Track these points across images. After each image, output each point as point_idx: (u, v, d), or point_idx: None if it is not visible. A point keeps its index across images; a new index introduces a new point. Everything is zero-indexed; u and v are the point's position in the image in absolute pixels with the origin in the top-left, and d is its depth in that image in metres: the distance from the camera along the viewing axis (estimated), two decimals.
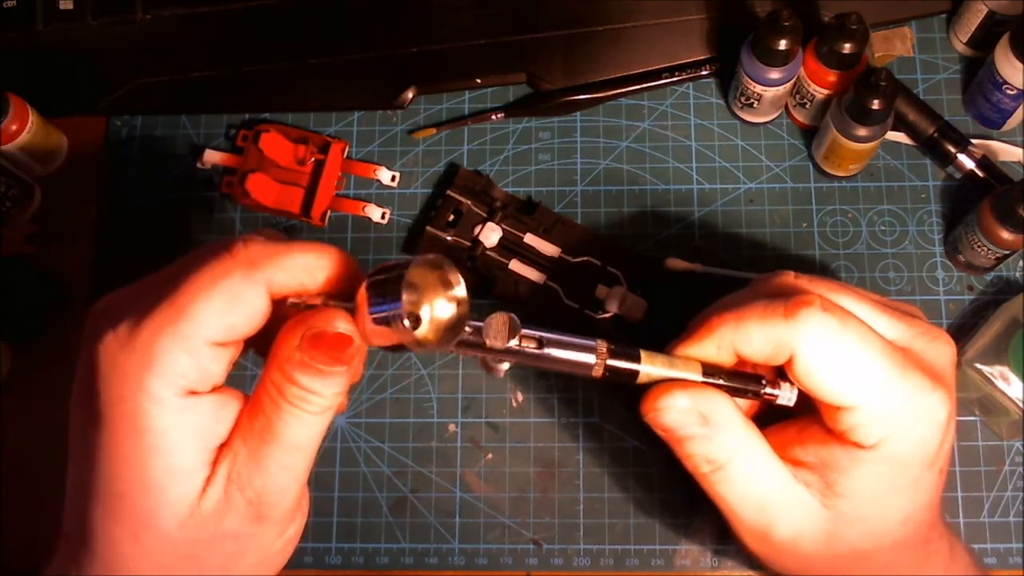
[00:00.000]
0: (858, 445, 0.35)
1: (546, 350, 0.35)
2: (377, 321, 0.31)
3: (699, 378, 0.37)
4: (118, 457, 0.32)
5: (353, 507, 0.54)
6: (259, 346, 0.35)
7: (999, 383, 0.51)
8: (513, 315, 0.35)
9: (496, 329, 0.34)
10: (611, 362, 0.36)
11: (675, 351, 0.38)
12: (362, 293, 0.32)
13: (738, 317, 0.36)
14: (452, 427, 0.55)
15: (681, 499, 0.53)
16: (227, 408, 0.33)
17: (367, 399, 0.56)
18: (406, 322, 0.31)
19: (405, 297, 0.31)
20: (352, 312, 0.33)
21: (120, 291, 0.34)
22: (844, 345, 0.34)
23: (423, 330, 0.33)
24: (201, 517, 0.32)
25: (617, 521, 0.53)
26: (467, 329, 0.34)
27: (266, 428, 0.33)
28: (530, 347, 0.35)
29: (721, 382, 0.37)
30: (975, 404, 0.53)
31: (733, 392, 0.37)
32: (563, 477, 0.54)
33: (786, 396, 0.37)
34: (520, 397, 0.55)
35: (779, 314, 0.35)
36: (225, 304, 0.32)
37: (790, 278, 0.38)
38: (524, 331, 0.35)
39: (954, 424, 0.36)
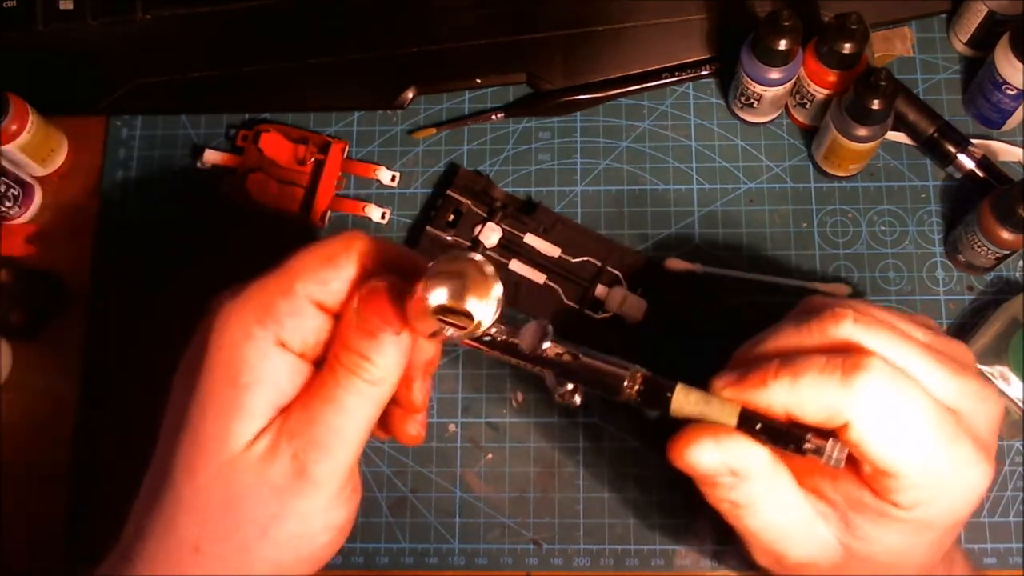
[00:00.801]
0: (893, 504, 0.35)
1: (582, 362, 0.36)
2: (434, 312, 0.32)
3: (734, 423, 0.35)
4: (203, 382, 0.34)
5: None
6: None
7: (999, 383, 0.51)
8: (547, 324, 0.36)
9: (530, 334, 0.36)
10: (645, 390, 0.36)
11: (720, 391, 0.36)
12: (420, 284, 0.33)
13: (794, 377, 0.34)
14: (452, 427, 0.55)
15: (681, 500, 0.53)
16: (302, 373, 0.35)
17: None
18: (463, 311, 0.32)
19: (452, 288, 0.32)
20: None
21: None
22: (900, 415, 0.34)
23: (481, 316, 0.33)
24: (248, 460, 0.34)
25: (617, 521, 0.53)
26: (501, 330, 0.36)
27: (320, 388, 0.35)
28: (564, 358, 0.36)
29: (759, 430, 0.35)
30: None
31: (772, 444, 0.35)
32: (563, 477, 0.54)
33: (833, 457, 0.34)
34: (520, 397, 0.56)
35: (836, 379, 0.34)
36: (324, 269, 0.35)
37: (848, 321, 0.36)
38: (560, 344, 0.36)
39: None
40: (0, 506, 0.55)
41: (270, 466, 0.34)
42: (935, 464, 0.34)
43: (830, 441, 0.34)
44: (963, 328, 0.55)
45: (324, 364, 0.35)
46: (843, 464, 0.34)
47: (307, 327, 0.35)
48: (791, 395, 0.34)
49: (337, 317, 0.36)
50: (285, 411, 0.35)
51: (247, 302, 0.35)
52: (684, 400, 0.36)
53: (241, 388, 0.34)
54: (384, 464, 0.55)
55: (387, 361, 0.35)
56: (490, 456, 0.55)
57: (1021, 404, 0.51)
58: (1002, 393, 0.51)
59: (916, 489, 0.34)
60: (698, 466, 0.35)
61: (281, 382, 0.35)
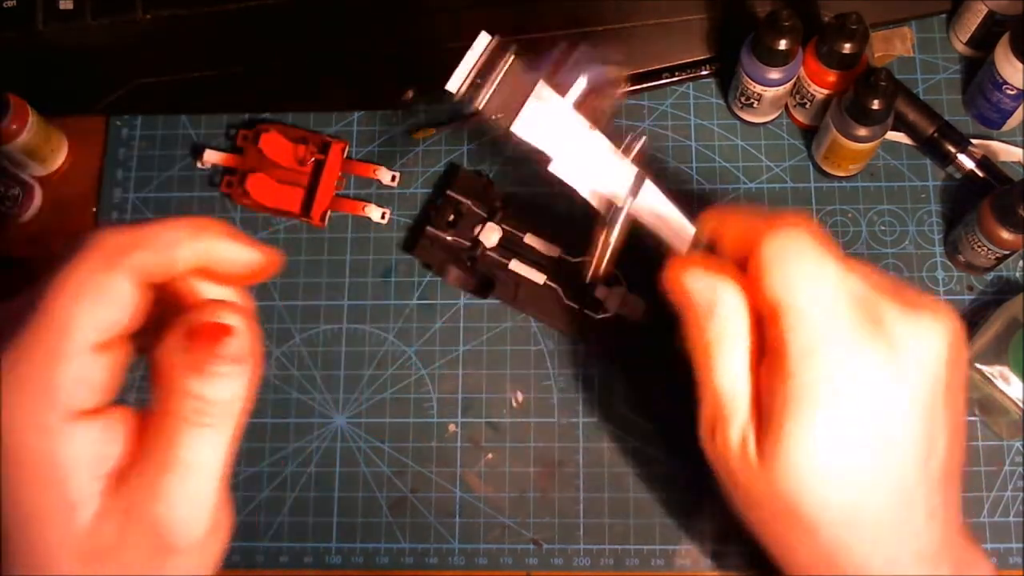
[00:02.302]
0: (782, 345, 0.35)
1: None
2: None
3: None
4: (9, 492, 0.29)
5: (353, 507, 0.54)
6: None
7: (999, 383, 0.51)
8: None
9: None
10: None
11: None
12: None
13: (732, 212, 0.39)
14: (452, 427, 0.55)
15: (681, 499, 0.54)
16: (118, 428, 0.30)
17: (367, 399, 0.56)
18: None
19: None
20: None
21: None
22: (802, 259, 0.35)
23: None
24: (99, 552, 0.30)
25: (617, 521, 0.53)
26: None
27: (159, 450, 0.29)
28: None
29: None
30: (975, 404, 0.53)
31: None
32: (563, 477, 0.54)
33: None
34: (520, 397, 0.55)
35: (762, 220, 0.36)
36: (91, 301, 0.29)
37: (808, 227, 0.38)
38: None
39: (917, 393, 0.35)
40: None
41: (123, 553, 0.30)
42: (830, 329, 0.34)
43: None
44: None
45: (155, 410, 0.29)
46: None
47: (100, 377, 0.30)
48: (719, 221, 0.39)
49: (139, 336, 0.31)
50: (121, 477, 0.29)
51: (19, 378, 0.29)
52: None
53: (56, 485, 0.29)
54: (384, 464, 0.55)
55: (231, 392, 0.29)
56: (490, 456, 0.55)
57: (1021, 404, 0.51)
58: (995, 386, 0.51)
59: (800, 329, 0.35)
60: (686, 281, 0.38)
61: (98, 452, 0.29)
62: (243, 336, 0.29)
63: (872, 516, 0.36)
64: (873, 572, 0.36)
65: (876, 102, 0.50)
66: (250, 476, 0.55)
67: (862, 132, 0.52)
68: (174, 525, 0.30)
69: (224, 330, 0.29)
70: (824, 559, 0.36)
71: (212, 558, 0.33)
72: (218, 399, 0.29)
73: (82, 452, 0.29)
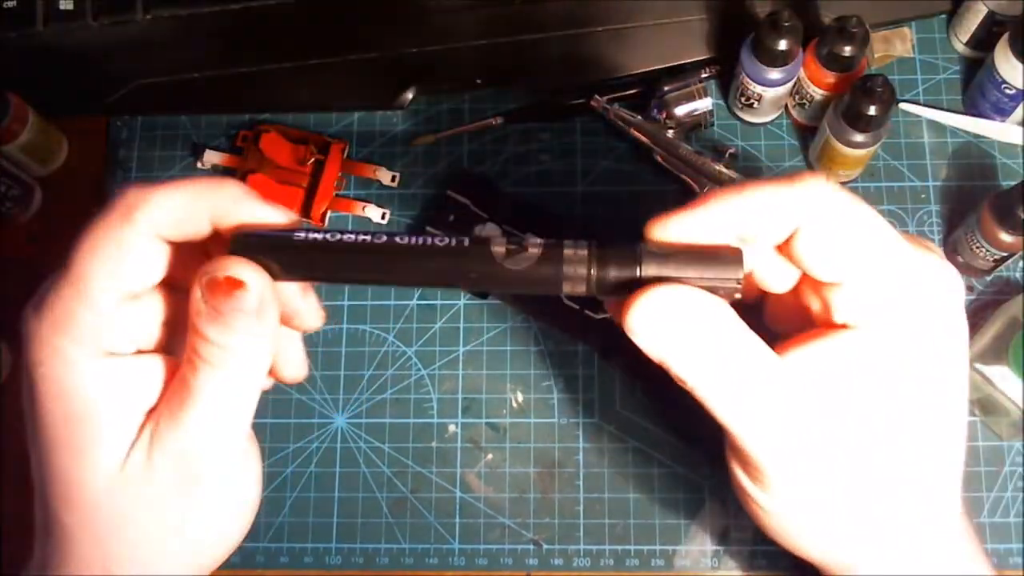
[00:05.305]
0: (838, 326, 0.32)
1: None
2: None
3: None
4: (43, 424, 0.32)
5: (353, 508, 0.54)
6: None
7: (999, 383, 0.51)
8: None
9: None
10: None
11: (668, 220, 0.34)
12: None
13: (740, 188, 0.32)
14: (452, 428, 0.55)
15: (681, 499, 0.54)
16: (156, 371, 0.32)
17: (367, 399, 0.56)
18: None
19: None
20: None
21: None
22: (853, 216, 0.31)
23: None
24: (126, 480, 0.32)
25: (617, 522, 0.53)
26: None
27: (183, 386, 0.32)
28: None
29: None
30: (975, 404, 0.53)
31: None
32: (563, 478, 0.54)
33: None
34: (520, 398, 0.56)
35: (784, 184, 0.31)
36: (112, 257, 0.32)
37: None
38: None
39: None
40: (0, 506, 0.55)
41: (151, 484, 0.32)
42: (882, 275, 0.31)
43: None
44: None
45: (184, 354, 0.32)
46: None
47: (133, 326, 0.32)
48: (739, 204, 0.32)
49: (175, 286, 0.33)
50: (154, 412, 0.32)
51: (48, 320, 0.32)
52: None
53: (86, 418, 0.31)
54: (384, 465, 0.55)
55: (245, 340, 0.31)
56: (490, 457, 0.55)
57: (1021, 405, 0.51)
58: (995, 386, 0.51)
59: (863, 296, 0.31)
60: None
61: (131, 389, 0.32)
62: (255, 291, 0.31)
63: None
64: None
65: (873, 108, 0.50)
66: None
67: (858, 138, 0.52)
68: (196, 455, 0.32)
69: (236, 284, 0.31)
70: None
71: (243, 495, 0.35)
72: (230, 345, 0.31)
73: (114, 389, 0.32)
